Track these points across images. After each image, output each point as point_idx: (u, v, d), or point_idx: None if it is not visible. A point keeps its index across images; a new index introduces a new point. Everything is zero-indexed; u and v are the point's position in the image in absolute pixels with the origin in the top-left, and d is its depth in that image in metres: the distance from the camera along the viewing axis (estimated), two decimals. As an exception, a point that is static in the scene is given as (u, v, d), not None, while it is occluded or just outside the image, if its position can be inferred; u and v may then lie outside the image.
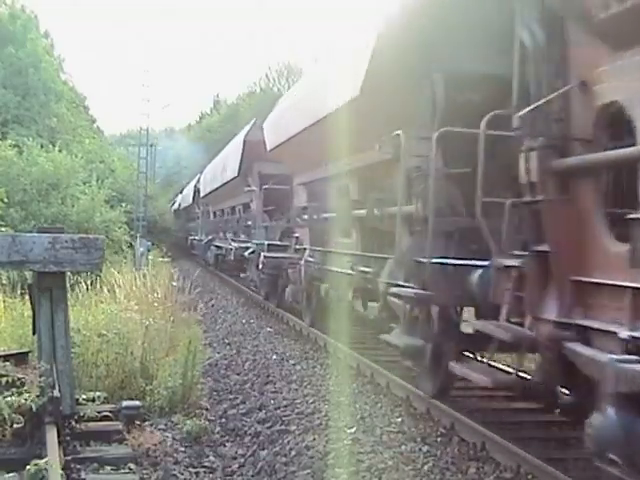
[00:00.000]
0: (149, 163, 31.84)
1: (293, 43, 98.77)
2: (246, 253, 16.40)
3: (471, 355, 6.31)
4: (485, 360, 5.82)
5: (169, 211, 43.89)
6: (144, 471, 5.11)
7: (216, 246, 24.61)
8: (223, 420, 6.70)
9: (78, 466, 4.92)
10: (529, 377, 5.89)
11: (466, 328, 6.09)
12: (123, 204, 22.67)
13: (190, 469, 5.33)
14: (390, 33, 6.26)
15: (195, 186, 31.53)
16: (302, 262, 10.89)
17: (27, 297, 6.85)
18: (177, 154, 57.54)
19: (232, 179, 18.57)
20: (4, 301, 8.97)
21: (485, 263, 5.30)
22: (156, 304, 8.44)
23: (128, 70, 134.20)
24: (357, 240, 8.81)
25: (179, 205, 42.96)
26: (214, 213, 26.92)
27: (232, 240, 20.26)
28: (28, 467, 4.35)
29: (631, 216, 3.37)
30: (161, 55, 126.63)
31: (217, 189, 22.74)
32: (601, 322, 3.75)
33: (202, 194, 27.68)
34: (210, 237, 26.21)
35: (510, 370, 6.84)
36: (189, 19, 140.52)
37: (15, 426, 5.20)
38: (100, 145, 32.66)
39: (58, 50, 36.57)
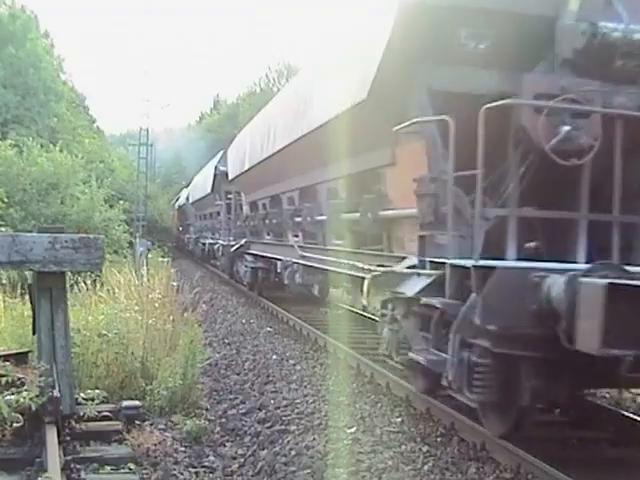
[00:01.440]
0: (149, 163, 31.62)
1: (293, 43, 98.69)
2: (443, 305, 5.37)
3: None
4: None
5: (172, 208, 42.53)
6: (144, 471, 5.10)
7: (255, 256, 16.31)
8: (223, 420, 6.70)
9: (78, 466, 4.92)
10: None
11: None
12: (122, 202, 22.75)
13: (190, 469, 5.32)
14: None
15: (216, 167, 22.71)
16: None
17: (27, 297, 6.85)
18: (177, 154, 57.64)
19: (358, 103, 6.96)
20: (4, 301, 8.96)
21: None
22: (156, 304, 8.43)
23: (128, 70, 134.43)
24: None
25: (187, 199, 34.68)
26: (253, 205, 17.27)
27: (303, 248, 11.32)
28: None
29: None
30: (161, 55, 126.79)
31: (271, 158, 12.39)
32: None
33: (232, 175, 18.19)
34: (243, 241, 17.39)
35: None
36: (189, 19, 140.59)
37: (15, 425, 5.20)
38: (100, 145, 32.73)
39: (58, 50, 36.65)
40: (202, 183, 27.47)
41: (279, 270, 13.34)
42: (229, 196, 20.75)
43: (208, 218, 28.12)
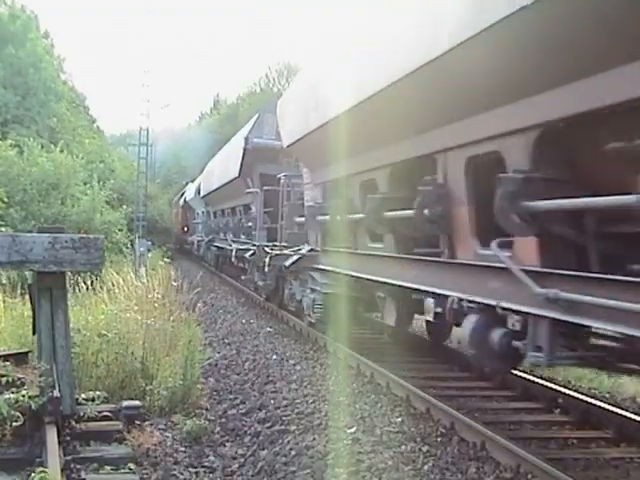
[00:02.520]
0: (149, 163, 31.45)
1: (293, 43, 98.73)
2: None
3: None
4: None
5: (175, 206, 41.37)
6: (144, 471, 5.11)
7: (337, 276, 9.52)
8: (223, 420, 6.70)
9: (78, 466, 4.92)
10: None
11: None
12: (124, 206, 22.69)
13: (190, 469, 5.33)
14: None
15: (247, 140, 16.30)
16: None
17: (27, 297, 6.85)
18: (177, 154, 57.65)
19: None
20: (4, 301, 8.97)
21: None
22: (156, 304, 8.43)
23: (128, 70, 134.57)
24: None
25: (196, 192, 29.12)
26: (329, 188, 10.06)
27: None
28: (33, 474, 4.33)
29: None
30: (161, 55, 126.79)
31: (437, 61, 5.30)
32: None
33: (292, 139, 10.61)
34: (306, 250, 11.08)
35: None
36: (189, 19, 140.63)
37: (14, 425, 5.20)
38: (100, 145, 32.73)
39: (58, 50, 36.66)
40: (221, 167, 20.62)
41: (431, 317, 6.64)
42: (282, 176, 13.24)
43: (229, 215, 21.47)
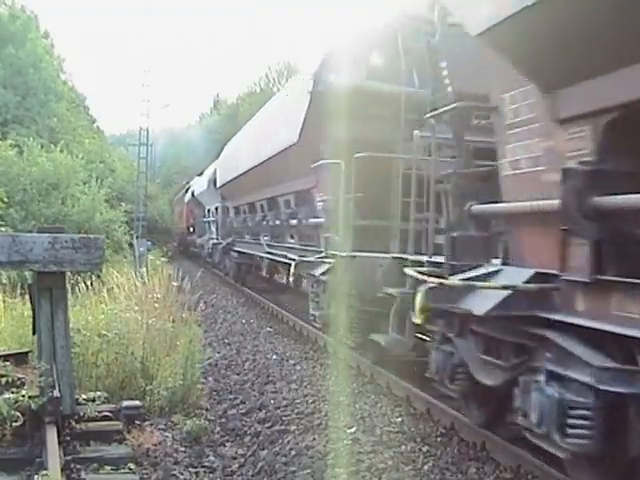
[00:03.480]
0: (149, 163, 31.38)
1: (293, 43, 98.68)
2: None
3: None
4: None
5: (179, 203, 40.29)
6: (144, 471, 5.11)
7: None
8: (223, 420, 6.70)
9: (78, 466, 4.92)
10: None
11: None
12: (123, 203, 22.67)
13: (190, 469, 5.32)
14: None
15: (316, 76, 9.80)
16: None
17: (27, 297, 6.85)
18: (177, 154, 57.66)
19: None
20: (4, 301, 8.96)
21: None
22: (156, 304, 8.42)
23: (128, 70, 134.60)
24: None
25: (209, 184, 23.79)
26: None
27: None
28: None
29: None
30: (161, 55, 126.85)
31: None
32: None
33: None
34: None
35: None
36: (189, 19, 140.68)
37: (14, 425, 5.19)
38: (100, 145, 32.72)
39: (58, 50, 36.61)
40: (258, 139, 14.60)
41: None
42: (437, 114, 5.83)
43: (263, 209, 15.64)
